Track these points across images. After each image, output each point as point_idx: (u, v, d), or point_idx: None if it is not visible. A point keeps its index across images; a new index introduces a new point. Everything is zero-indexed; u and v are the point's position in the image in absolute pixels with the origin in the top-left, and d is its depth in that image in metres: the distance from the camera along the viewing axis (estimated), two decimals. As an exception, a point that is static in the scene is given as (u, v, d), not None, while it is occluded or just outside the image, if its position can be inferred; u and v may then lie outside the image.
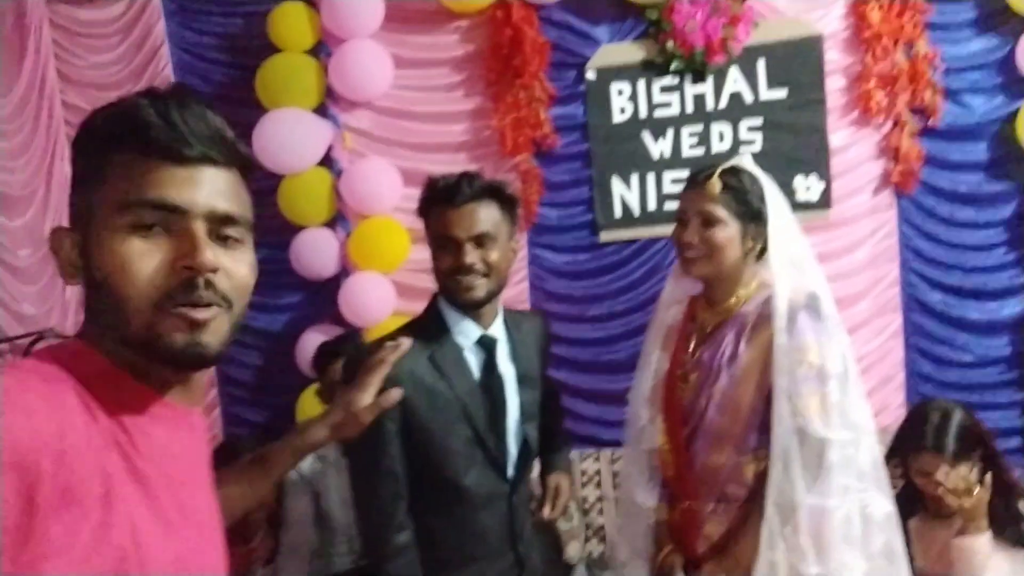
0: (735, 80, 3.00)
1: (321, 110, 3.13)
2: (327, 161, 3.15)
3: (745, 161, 1.72)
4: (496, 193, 1.57)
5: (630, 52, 3.05)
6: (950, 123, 2.90)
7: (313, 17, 3.03)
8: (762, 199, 1.65)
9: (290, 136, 3.01)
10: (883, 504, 1.62)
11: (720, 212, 1.63)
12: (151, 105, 0.75)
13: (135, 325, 0.74)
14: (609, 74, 3.07)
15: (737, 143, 3.00)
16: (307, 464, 2.50)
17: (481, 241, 1.53)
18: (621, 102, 3.08)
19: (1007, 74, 2.86)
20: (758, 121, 2.99)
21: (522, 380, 1.67)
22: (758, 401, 1.62)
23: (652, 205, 3.10)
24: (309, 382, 3.14)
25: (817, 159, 2.96)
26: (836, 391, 1.56)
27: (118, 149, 0.75)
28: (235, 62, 3.26)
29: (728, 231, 1.63)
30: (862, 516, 1.59)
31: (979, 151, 2.91)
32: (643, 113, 3.07)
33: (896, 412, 2.94)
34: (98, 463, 0.69)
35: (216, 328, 0.77)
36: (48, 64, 3.28)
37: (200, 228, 0.75)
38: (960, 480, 1.86)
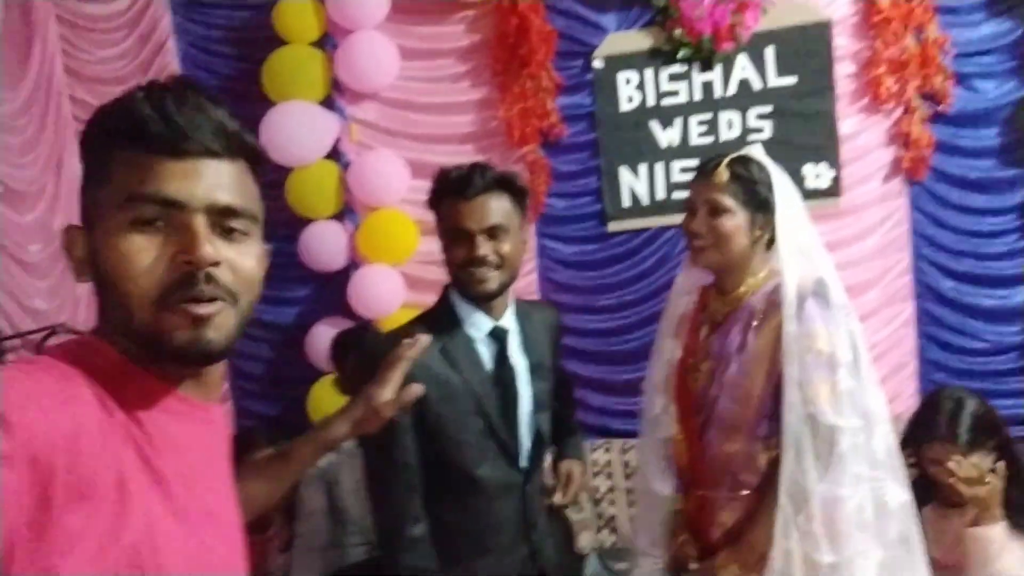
0: (743, 67, 2.98)
1: (328, 102, 3.13)
2: (334, 153, 3.15)
3: (755, 151, 1.72)
4: (508, 184, 1.56)
5: (637, 40, 3.03)
6: (961, 108, 2.87)
7: (319, 9, 3.03)
8: (770, 188, 1.65)
9: (297, 129, 3.01)
10: (898, 493, 1.62)
11: (727, 201, 1.63)
12: (147, 99, 0.74)
13: (138, 321, 0.74)
14: (616, 63, 3.05)
15: (746, 131, 2.99)
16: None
17: (493, 233, 1.52)
18: (629, 91, 3.07)
19: (1019, 58, 2.84)
20: (767, 109, 2.98)
21: (534, 371, 1.67)
22: (768, 389, 1.62)
23: (661, 194, 3.09)
24: (320, 375, 3.15)
25: (827, 146, 2.95)
26: (846, 378, 1.55)
27: (119, 145, 0.75)
28: (241, 55, 3.26)
29: (736, 220, 1.63)
30: (877, 504, 1.58)
31: (990, 136, 2.89)
32: (651, 102, 3.06)
33: (908, 400, 2.93)
34: (112, 458, 0.69)
35: (221, 323, 0.76)
36: (55, 60, 3.29)
37: (200, 222, 0.74)
38: (973, 469, 1.85)
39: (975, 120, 2.89)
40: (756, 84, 2.98)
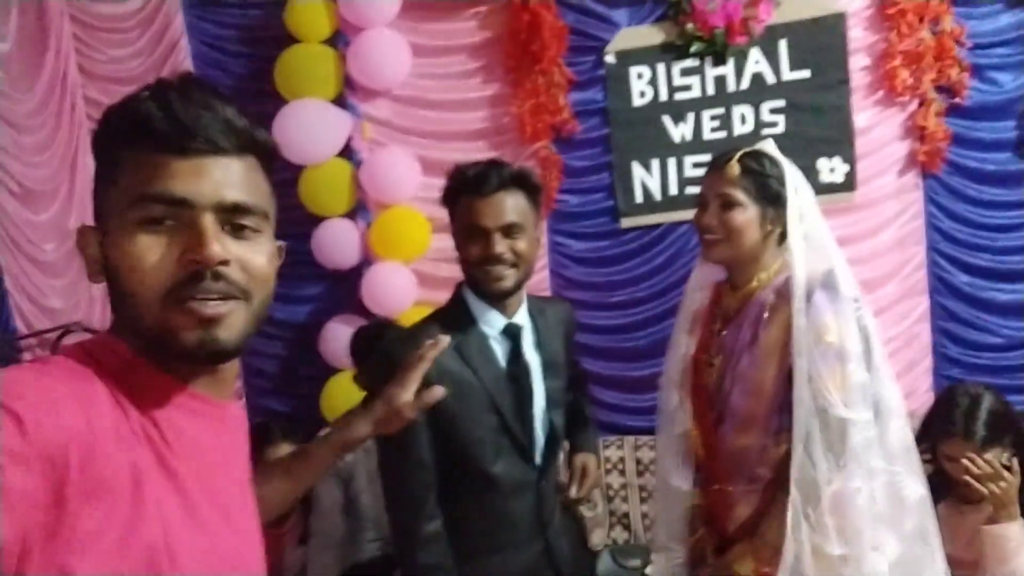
0: (756, 61, 2.96)
1: (340, 100, 3.13)
2: (347, 151, 3.15)
3: (767, 145, 1.72)
4: (523, 182, 1.56)
5: (649, 35, 3.02)
6: (977, 101, 2.84)
7: (330, 7, 3.02)
8: (782, 182, 1.65)
9: (309, 127, 3.01)
10: (916, 487, 1.62)
11: (739, 195, 1.64)
12: (152, 98, 0.74)
13: (147, 321, 0.74)
14: (628, 58, 3.04)
15: (759, 125, 2.97)
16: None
17: (509, 231, 1.52)
18: (641, 86, 3.05)
19: (1036, 50, 2.80)
20: (780, 103, 2.95)
21: (547, 367, 1.67)
22: (780, 382, 1.62)
23: (673, 190, 3.08)
24: (333, 372, 3.16)
25: (841, 140, 2.92)
26: (857, 371, 1.54)
27: (127, 145, 0.75)
28: (253, 53, 3.26)
29: (747, 214, 1.64)
30: (893, 498, 1.58)
31: (1007, 129, 2.85)
32: (663, 97, 3.04)
33: (924, 396, 2.91)
34: (127, 457, 0.69)
35: (231, 322, 0.76)
36: (69, 59, 3.31)
37: (208, 220, 0.74)
38: (988, 466, 1.83)
39: (991, 113, 2.86)
40: (769, 78, 2.96)
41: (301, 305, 3.37)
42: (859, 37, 2.91)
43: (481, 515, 1.61)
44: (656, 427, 1.97)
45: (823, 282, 1.58)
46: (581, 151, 3.14)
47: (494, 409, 1.57)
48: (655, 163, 3.08)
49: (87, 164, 3.24)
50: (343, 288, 3.27)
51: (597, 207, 3.17)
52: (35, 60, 3.13)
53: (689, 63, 3.00)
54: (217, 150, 0.76)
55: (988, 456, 1.85)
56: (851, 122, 2.92)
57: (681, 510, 1.82)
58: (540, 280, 3.14)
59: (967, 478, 1.85)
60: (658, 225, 3.11)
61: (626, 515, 3.07)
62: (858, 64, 2.92)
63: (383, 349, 1.59)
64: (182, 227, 0.74)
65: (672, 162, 3.06)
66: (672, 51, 3.00)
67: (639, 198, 3.11)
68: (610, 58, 3.05)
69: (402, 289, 3.12)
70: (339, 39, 3.10)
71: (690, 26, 2.93)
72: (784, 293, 1.62)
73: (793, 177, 1.66)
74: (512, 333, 1.61)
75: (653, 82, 3.04)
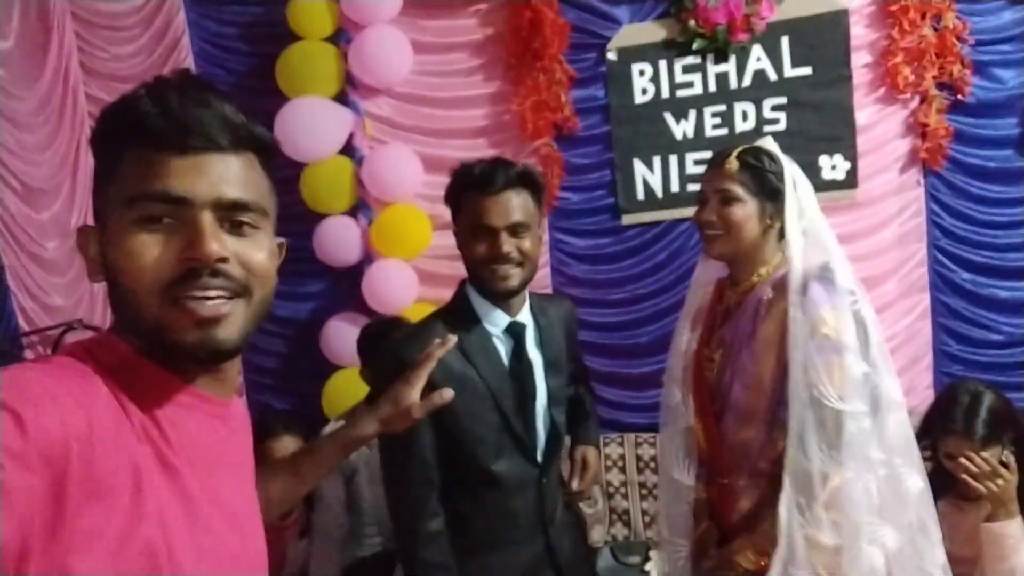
0: (758, 58, 2.96)
1: (341, 97, 3.14)
2: (348, 149, 3.15)
3: (766, 142, 1.74)
4: (529, 180, 1.56)
5: (651, 32, 3.01)
6: (979, 98, 2.84)
7: (332, 4, 3.03)
8: (780, 177, 1.66)
9: (311, 124, 3.01)
10: (916, 480, 1.62)
11: (737, 190, 1.65)
12: (148, 96, 0.74)
13: (146, 319, 0.73)
14: (630, 55, 3.04)
15: (761, 122, 2.97)
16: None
17: (516, 230, 1.52)
18: (642, 83, 3.05)
19: (1038, 46, 2.79)
20: (782, 100, 2.95)
21: (549, 366, 1.67)
22: (779, 375, 1.62)
23: (675, 187, 3.07)
24: (334, 369, 3.17)
25: (843, 137, 2.92)
26: (853, 363, 1.54)
27: (125, 144, 0.75)
28: (255, 51, 3.27)
29: (746, 209, 1.65)
30: (892, 490, 1.58)
31: (1009, 126, 2.85)
32: (665, 93, 3.04)
33: (924, 393, 2.91)
34: (128, 456, 0.69)
35: (231, 321, 0.76)
36: (71, 57, 3.31)
37: (205, 218, 0.74)
38: (987, 464, 1.83)
39: (993, 109, 2.85)
40: (771, 75, 2.95)
41: (302, 302, 3.37)
42: (861, 34, 2.90)
43: (483, 513, 1.61)
44: (660, 423, 1.98)
45: (819, 275, 1.59)
46: (582, 148, 3.14)
47: (496, 408, 1.57)
48: (656, 160, 3.07)
49: (89, 162, 3.24)
50: (344, 285, 3.27)
51: (598, 204, 3.17)
52: (37, 58, 3.13)
53: (691, 60, 3.00)
54: (215, 147, 0.75)
55: (985, 454, 1.85)
56: (853, 119, 2.91)
57: (685, 505, 1.82)
58: (541, 277, 3.14)
59: (965, 476, 1.85)
60: (659, 222, 3.11)
61: (626, 512, 3.07)
62: (860, 61, 2.91)
63: (389, 347, 1.59)
64: (180, 225, 0.74)
65: (673, 159, 3.06)
66: (674, 48, 3.00)
67: (640, 195, 3.11)
68: (612, 55, 3.05)
69: (403, 286, 3.12)
70: (340, 36, 3.10)
71: (692, 23, 2.93)
72: (781, 287, 1.63)
73: (792, 172, 1.67)
74: (515, 332, 1.61)
75: (655, 79, 3.04)
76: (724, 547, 1.72)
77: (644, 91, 3.05)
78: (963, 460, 1.85)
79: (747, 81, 2.97)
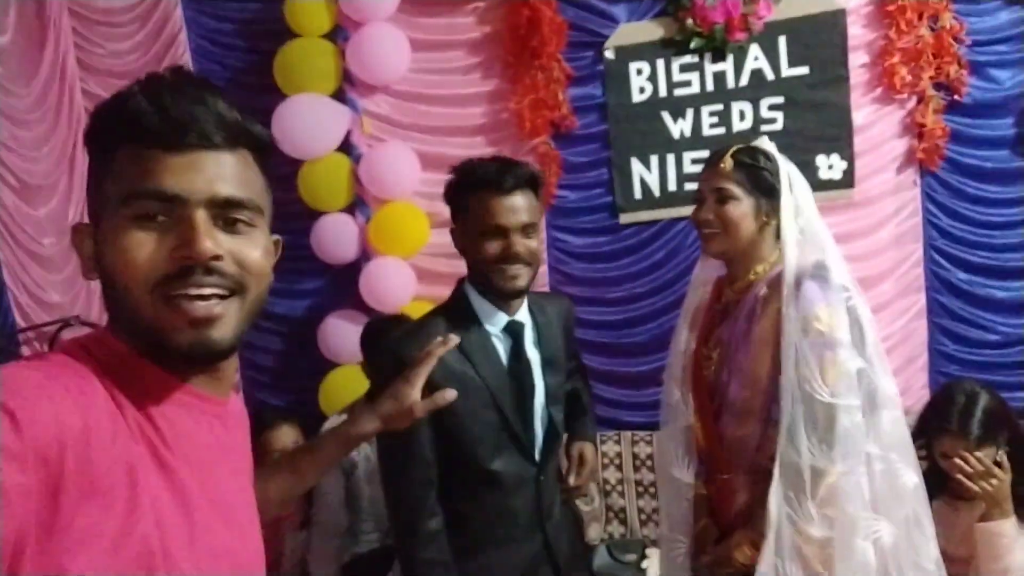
0: (756, 57, 2.96)
1: (339, 95, 3.13)
2: (346, 146, 3.15)
3: (761, 141, 1.75)
4: (536, 181, 1.57)
5: (649, 31, 3.02)
6: (976, 98, 2.84)
7: (330, 1, 3.02)
8: (776, 175, 1.68)
9: (308, 122, 3.01)
10: (911, 476, 1.63)
11: (733, 189, 1.67)
12: (143, 93, 0.73)
13: (141, 318, 0.73)
14: (628, 53, 3.04)
15: (758, 122, 2.97)
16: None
17: (527, 230, 1.53)
18: (640, 82, 3.05)
19: (1035, 47, 2.80)
20: (779, 99, 2.95)
21: (547, 364, 1.68)
22: (774, 373, 1.63)
23: (672, 186, 3.08)
24: (332, 366, 3.17)
25: (840, 137, 2.92)
26: (847, 359, 1.55)
27: (119, 141, 0.74)
28: (253, 48, 3.26)
29: (742, 207, 1.67)
30: (887, 485, 1.60)
31: (1006, 127, 2.85)
32: (662, 93, 3.04)
33: (920, 393, 2.92)
34: (123, 455, 0.69)
35: (225, 321, 0.75)
36: (68, 53, 3.30)
37: (200, 216, 0.73)
38: (981, 464, 1.84)
39: (990, 110, 2.85)
40: (769, 74, 2.96)
41: (300, 300, 3.37)
42: (858, 34, 2.91)
43: (481, 511, 1.61)
44: (660, 421, 1.99)
45: (813, 272, 1.60)
46: (580, 147, 3.14)
47: (495, 406, 1.57)
48: (654, 159, 3.08)
49: (85, 159, 3.23)
50: (342, 283, 3.27)
51: (596, 203, 3.17)
52: (34, 54, 3.12)
53: (688, 59, 3.00)
54: (209, 144, 0.75)
55: (980, 454, 1.85)
56: (850, 119, 2.92)
57: (684, 502, 1.84)
58: (539, 276, 3.13)
59: (960, 476, 1.86)
60: (657, 221, 3.11)
61: (623, 510, 3.08)
62: (857, 61, 2.92)
63: (387, 345, 1.59)
64: (174, 223, 0.73)
65: (671, 158, 3.06)
66: (671, 47, 3.00)
67: (638, 194, 3.11)
68: (609, 54, 3.05)
69: (401, 284, 3.12)
70: (338, 34, 3.10)
71: (689, 22, 2.93)
72: (777, 285, 1.64)
73: (787, 171, 1.69)
74: (514, 331, 1.62)
75: (652, 78, 3.04)
76: (722, 543, 1.73)
77: (642, 90, 3.05)
78: (958, 460, 1.86)
79: (744, 80, 2.98)
